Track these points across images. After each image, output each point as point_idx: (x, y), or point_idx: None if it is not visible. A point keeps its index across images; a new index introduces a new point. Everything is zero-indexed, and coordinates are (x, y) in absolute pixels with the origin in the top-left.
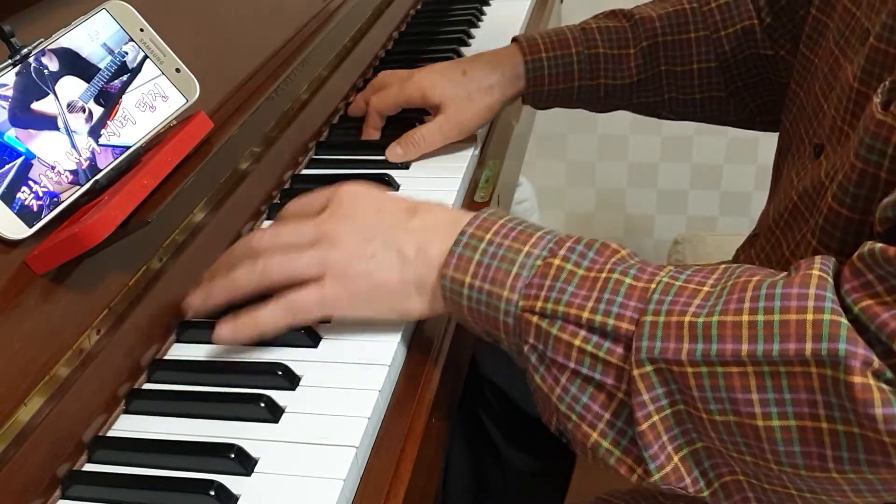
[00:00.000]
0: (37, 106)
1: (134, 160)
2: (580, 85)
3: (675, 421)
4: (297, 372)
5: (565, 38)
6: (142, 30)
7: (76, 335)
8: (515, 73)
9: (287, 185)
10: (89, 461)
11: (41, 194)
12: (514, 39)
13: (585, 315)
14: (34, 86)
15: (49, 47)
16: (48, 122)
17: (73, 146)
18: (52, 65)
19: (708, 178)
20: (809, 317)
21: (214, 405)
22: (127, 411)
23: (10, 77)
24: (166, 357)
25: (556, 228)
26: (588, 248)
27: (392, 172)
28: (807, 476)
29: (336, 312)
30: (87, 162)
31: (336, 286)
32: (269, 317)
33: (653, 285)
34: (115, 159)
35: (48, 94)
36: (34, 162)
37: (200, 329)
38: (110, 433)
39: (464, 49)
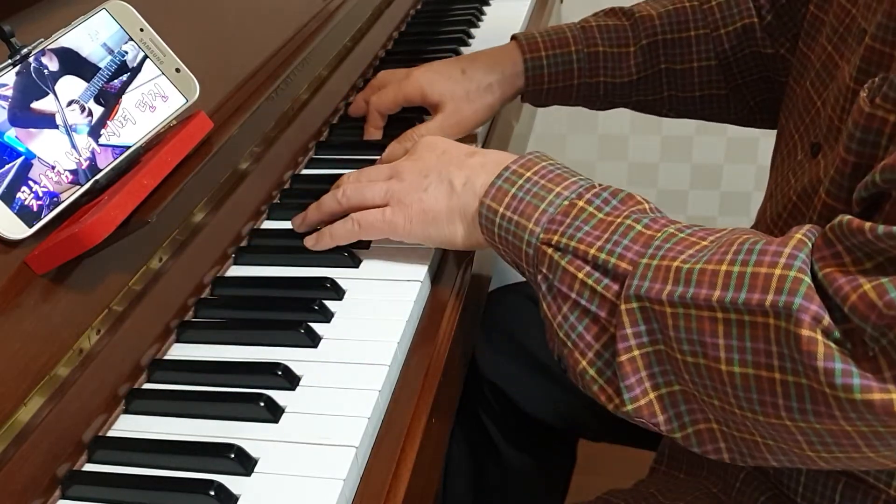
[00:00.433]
0: (37, 106)
1: (134, 160)
2: (580, 83)
3: (656, 360)
4: (297, 372)
5: (565, 37)
6: (142, 30)
7: (76, 335)
8: (515, 72)
9: (287, 185)
10: (89, 461)
11: (41, 194)
12: (514, 38)
13: (592, 252)
14: (34, 86)
15: (49, 47)
16: (48, 122)
17: (73, 146)
18: (52, 65)
19: (708, 178)
20: (777, 272)
21: (214, 405)
22: (127, 411)
23: (10, 77)
24: (166, 357)
25: None
26: (613, 196)
27: None
28: (764, 422)
29: (393, 235)
30: (87, 162)
31: (395, 212)
32: (342, 229)
33: (658, 234)
34: (115, 159)
35: (48, 93)
36: (34, 162)
37: (200, 329)
38: (110, 433)
39: (464, 49)
